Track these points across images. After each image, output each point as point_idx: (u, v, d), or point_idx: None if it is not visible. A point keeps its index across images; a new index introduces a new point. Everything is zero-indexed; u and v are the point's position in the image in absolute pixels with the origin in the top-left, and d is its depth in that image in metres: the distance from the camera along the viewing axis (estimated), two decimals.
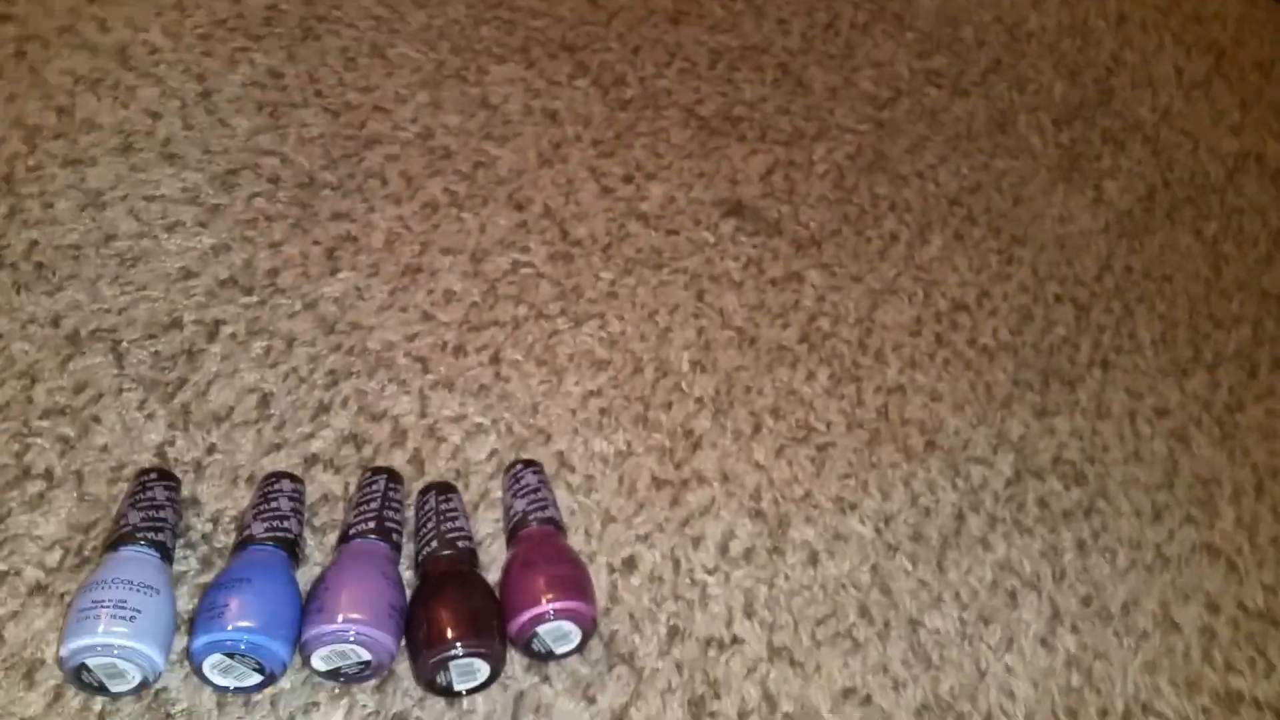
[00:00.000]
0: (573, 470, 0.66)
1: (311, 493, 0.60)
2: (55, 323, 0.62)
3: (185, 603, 0.54)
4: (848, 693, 0.61)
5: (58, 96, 0.72)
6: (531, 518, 0.61)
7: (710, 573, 0.64)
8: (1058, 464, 0.76)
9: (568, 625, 0.56)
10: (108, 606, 0.49)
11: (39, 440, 0.58)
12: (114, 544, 0.53)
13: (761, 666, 0.61)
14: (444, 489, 0.61)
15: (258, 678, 0.52)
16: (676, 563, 0.64)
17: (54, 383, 0.60)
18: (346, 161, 0.76)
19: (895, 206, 0.91)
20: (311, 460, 0.62)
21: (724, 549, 0.65)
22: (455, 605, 0.55)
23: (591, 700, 0.57)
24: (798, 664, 0.61)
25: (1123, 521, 0.74)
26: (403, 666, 0.55)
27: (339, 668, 0.53)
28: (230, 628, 0.50)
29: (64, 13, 0.75)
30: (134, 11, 0.78)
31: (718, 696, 0.59)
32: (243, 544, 0.55)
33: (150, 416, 0.60)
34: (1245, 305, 0.92)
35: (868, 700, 0.61)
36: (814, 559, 0.66)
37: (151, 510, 0.55)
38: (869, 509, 0.70)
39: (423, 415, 0.66)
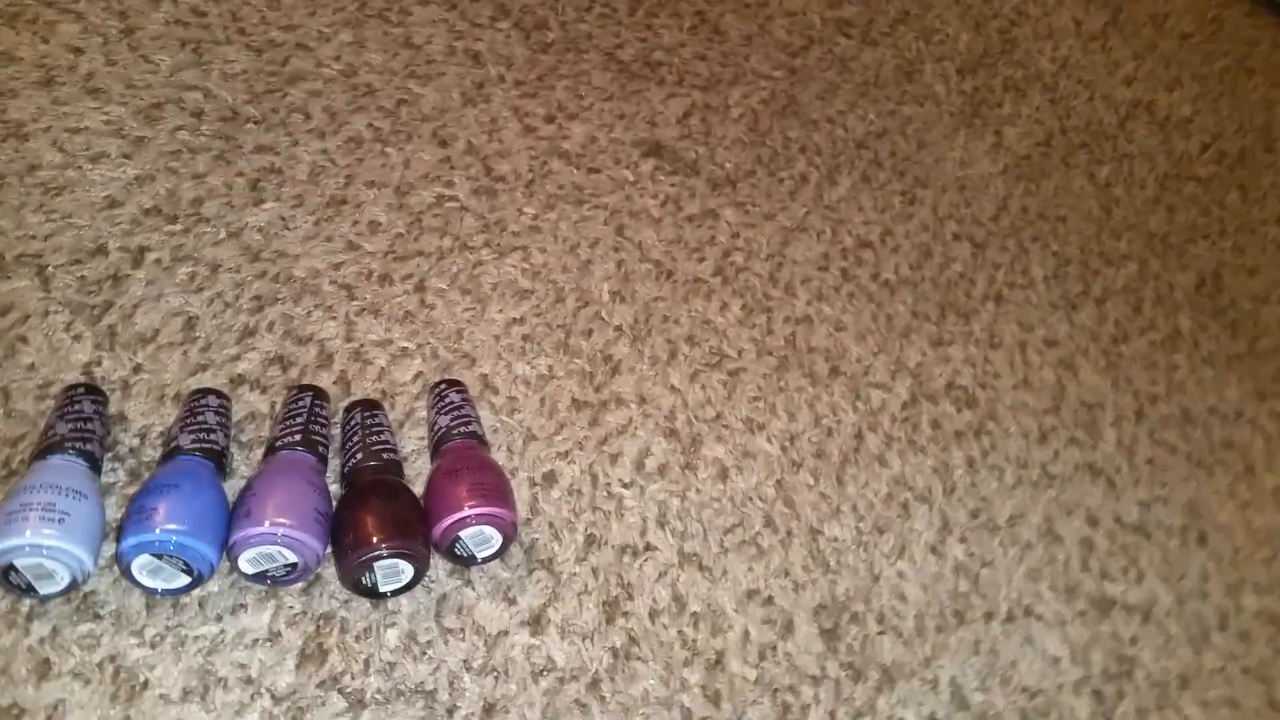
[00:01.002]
0: (496, 392, 0.68)
1: (238, 411, 0.62)
2: None
3: (113, 513, 0.56)
4: (751, 594, 0.64)
5: None
6: (455, 432, 0.63)
7: (626, 486, 0.67)
8: (951, 389, 0.80)
9: (489, 530, 0.58)
10: (36, 509, 0.50)
11: None
12: (42, 453, 0.54)
13: (672, 571, 0.64)
14: (369, 405, 0.63)
15: (186, 579, 0.53)
16: (594, 478, 0.67)
17: None
18: (270, 97, 0.77)
19: (806, 149, 0.94)
20: (238, 380, 0.63)
21: (640, 465, 0.68)
22: (380, 509, 0.57)
23: (512, 602, 0.60)
24: (706, 569, 0.64)
25: (1011, 442, 0.79)
26: (328, 571, 0.57)
27: (266, 570, 0.55)
28: (158, 530, 0.52)
29: None
30: None
31: (631, 598, 0.62)
32: (170, 454, 0.56)
33: (77, 338, 0.61)
34: (1133, 244, 0.97)
35: (770, 601, 0.64)
36: (724, 474, 0.70)
37: (79, 422, 0.56)
38: (776, 429, 0.73)
39: (348, 340, 0.67)
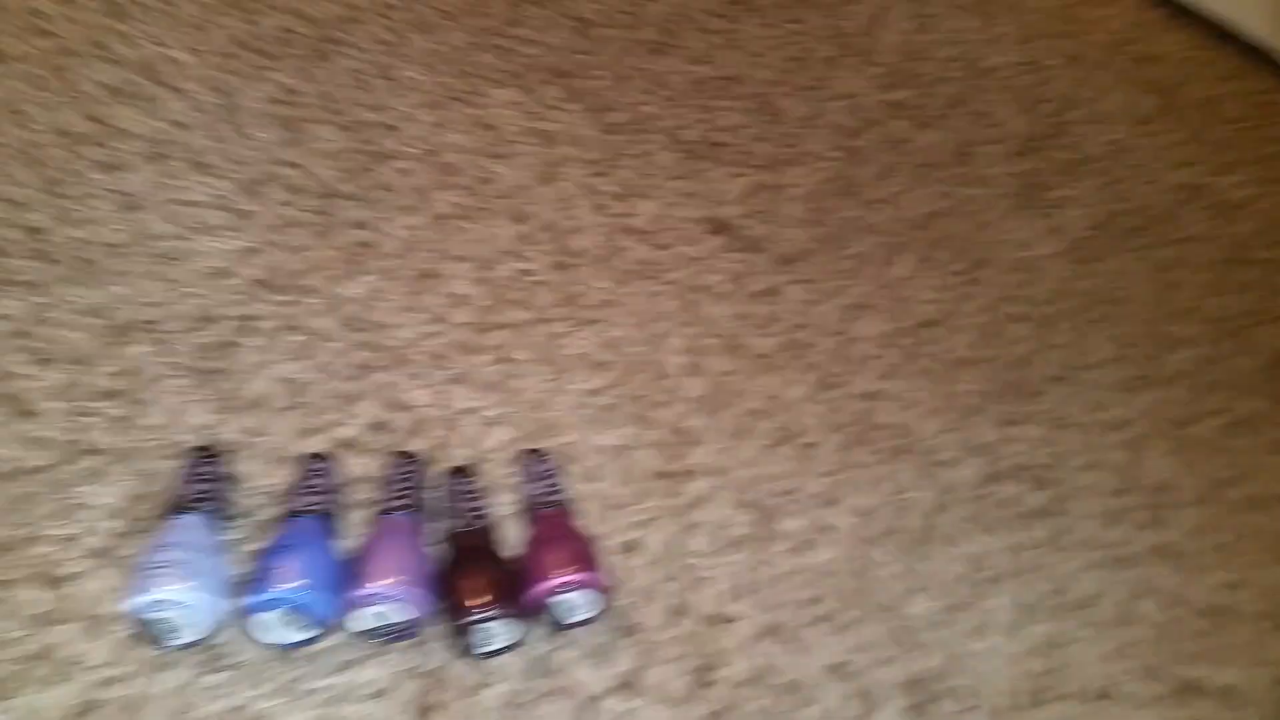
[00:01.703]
0: (578, 461, 0.76)
1: (345, 473, 0.69)
2: (103, 314, 0.70)
3: (236, 569, 0.63)
4: (835, 668, 0.70)
5: (91, 104, 0.80)
6: (544, 501, 0.70)
7: (707, 557, 0.74)
8: (1021, 469, 0.87)
9: (580, 596, 0.65)
10: (176, 563, 0.57)
11: (96, 420, 0.66)
12: (172, 512, 0.61)
13: (756, 642, 0.70)
14: (464, 473, 0.71)
15: (305, 634, 0.60)
16: (676, 547, 0.73)
17: (106, 369, 0.68)
18: (362, 174, 0.86)
19: (865, 229, 1.02)
20: (342, 444, 0.70)
21: (719, 536, 0.75)
22: (482, 574, 0.64)
23: (603, 667, 0.66)
24: (789, 641, 0.71)
25: (1083, 523, 0.85)
26: (434, 629, 0.64)
27: (378, 627, 0.62)
28: (282, 587, 0.59)
29: (95, 29, 0.84)
30: (158, 29, 0.87)
31: (717, 667, 0.68)
32: (288, 515, 0.64)
33: (194, 401, 0.69)
34: (1194, 327, 1.04)
35: (853, 675, 0.70)
36: (801, 548, 0.76)
37: (203, 483, 0.63)
38: (849, 504, 0.80)
39: (440, 407, 0.75)
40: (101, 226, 0.74)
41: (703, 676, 0.67)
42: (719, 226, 0.98)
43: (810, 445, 0.82)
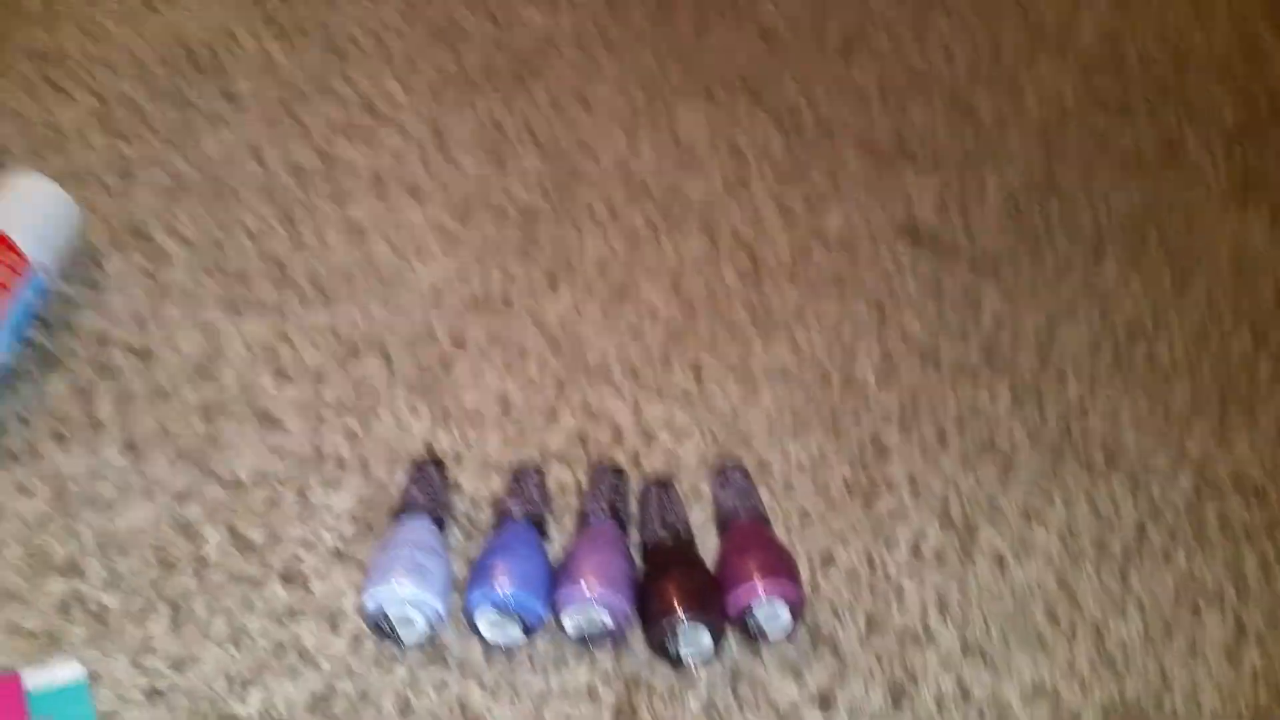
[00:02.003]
0: (771, 473, 0.77)
1: (551, 482, 0.73)
2: (336, 334, 0.77)
3: (456, 570, 0.68)
4: (1037, 689, 0.69)
5: (317, 140, 0.88)
6: (741, 511, 0.72)
7: (904, 571, 0.74)
8: (1239, 483, 0.83)
9: (779, 606, 0.67)
10: (402, 564, 0.63)
11: (330, 431, 0.72)
12: (400, 515, 0.67)
13: (955, 660, 0.70)
14: (664, 484, 0.74)
15: (519, 634, 0.64)
16: (872, 561, 0.74)
17: (339, 384, 0.75)
18: (560, 195, 0.90)
19: (1068, 230, 0.99)
20: (549, 455, 0.75)
21: (916, 550, 0.75)
22: (682, 581, 0.67)
23: (800, 679, 0.68)
24: (989, 660, 0.70)
25: None
26: (635, 634, 0.67)
27: (583, 629, 0.65)
28: (499, 587, 0.63)
29: (319, 71, 0.92)
30: (374, 68, 0.94)
31: (915, 684, 0.69)
32: (502, 520, 0.69)
33: (417, 414, 0.75)
34: None
35: (1056, 698, 0.69)
36: (1002, 563, 0.75)
37: (429, 488, 0.69)
38: (1054, 519, 0.78)
39: (637, 420, 0.78)
40: (332, 253, 0.81)
41: (900, 693, 0.68)
42: (912, 232, 0.98)
43: (1012, 457, 0.81)
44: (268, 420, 0.72)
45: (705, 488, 0.76)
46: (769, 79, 1.06)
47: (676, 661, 0.67)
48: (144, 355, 0.73)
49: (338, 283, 0.80)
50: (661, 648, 0.66)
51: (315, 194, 0.85)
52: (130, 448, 0.69)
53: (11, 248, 0.67)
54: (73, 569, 0.63)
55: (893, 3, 1.18)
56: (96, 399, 0.70)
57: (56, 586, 0.63)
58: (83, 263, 0.76)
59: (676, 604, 0.65)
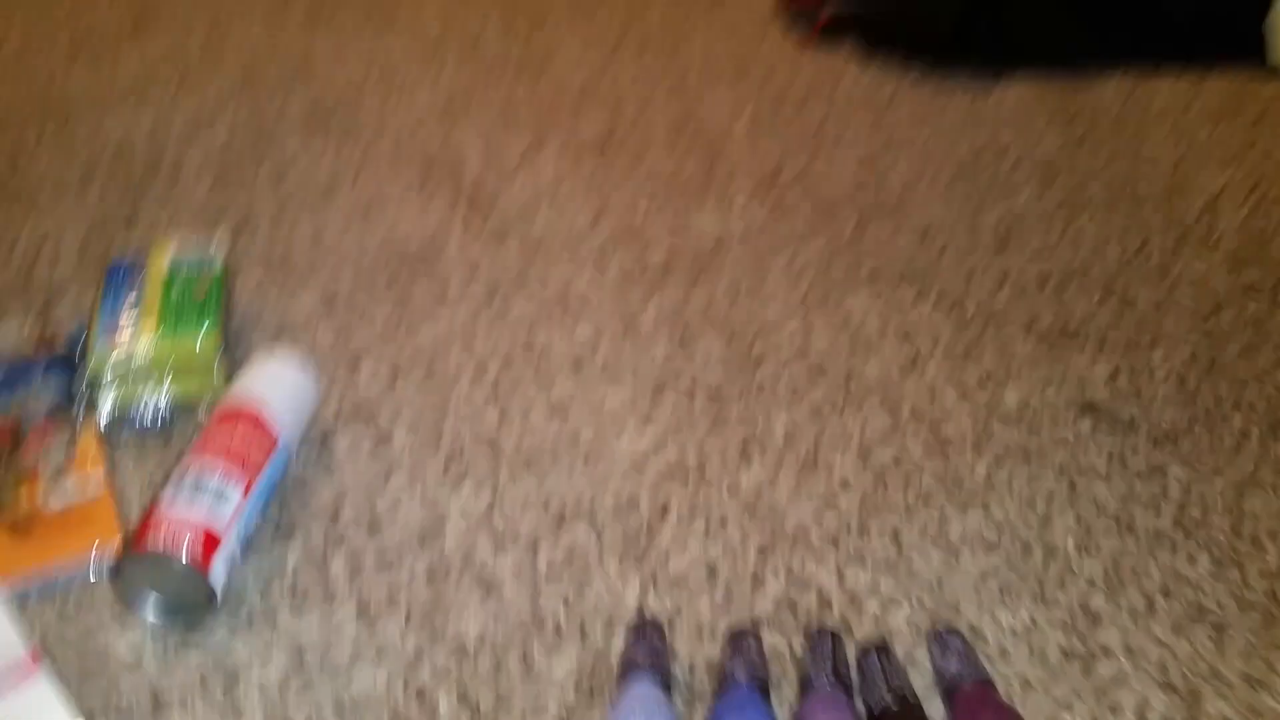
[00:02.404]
0: (985, 639, 0.76)
1: (766, 649, 0.73)
2: (545, 506, 0.81)
3: None
4: None
5: (521, 334, 0.95)
6: (965, 676, 0.71)
7: None
8: None
9: None
10: None
11: (548, 598, 0.75)
12: (626, 676, 0.67)
13: None
14: (883, 648, 0.73)
15: None
16: None
17: (551, 552, 0.78)
18: (742, 376, 0.95)
19: (1240, 406, 0.99)
20: (758, 621, 0.75)
21: (1142, 717, 0.72)
22: None
23: None
24: None
25: None
26: None
27: None
28: None
29: (516, 268, 1.01)
30: (565, 269, 1.03)
31: None
32: (726, 684, 0.69)
33: (626, 580, 0.77)
34: None
35: None
36: None
37: (650, 650, 0.70)
38: (1278, 685, 0.75)
39: (842, 586, 0.79)
40: (537, 431, 0.86)
41: None
42: (1089, 409, 0.99)
43: (1223, 624, 0.79)
44: (487, 586, 0.75)
45: (919, 655, 0.75)
46: (930, 271, 1.12)
47: None
48: (371, 526, 0.77)
49: (544, 458, 0.84)
50: None
51: (519, 378, 0.91)
52: (362, 614, 0.72)
53: (260, 419, 0.73)
54: None
55: (1039, 203, 1.25)
56: (328, 566, 0.74)
57: None
58: (315, 441, 0.82)
59: None
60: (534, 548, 0.78)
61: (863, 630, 0.76)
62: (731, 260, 1.09)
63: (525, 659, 0.71)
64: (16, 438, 0.74)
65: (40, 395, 0.77)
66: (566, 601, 0.75)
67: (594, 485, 0.83)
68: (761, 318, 1.02)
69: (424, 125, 1.18)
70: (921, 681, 0.73)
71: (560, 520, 0.80)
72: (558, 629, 0.73)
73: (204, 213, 0.99)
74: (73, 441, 0.75)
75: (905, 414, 0.95)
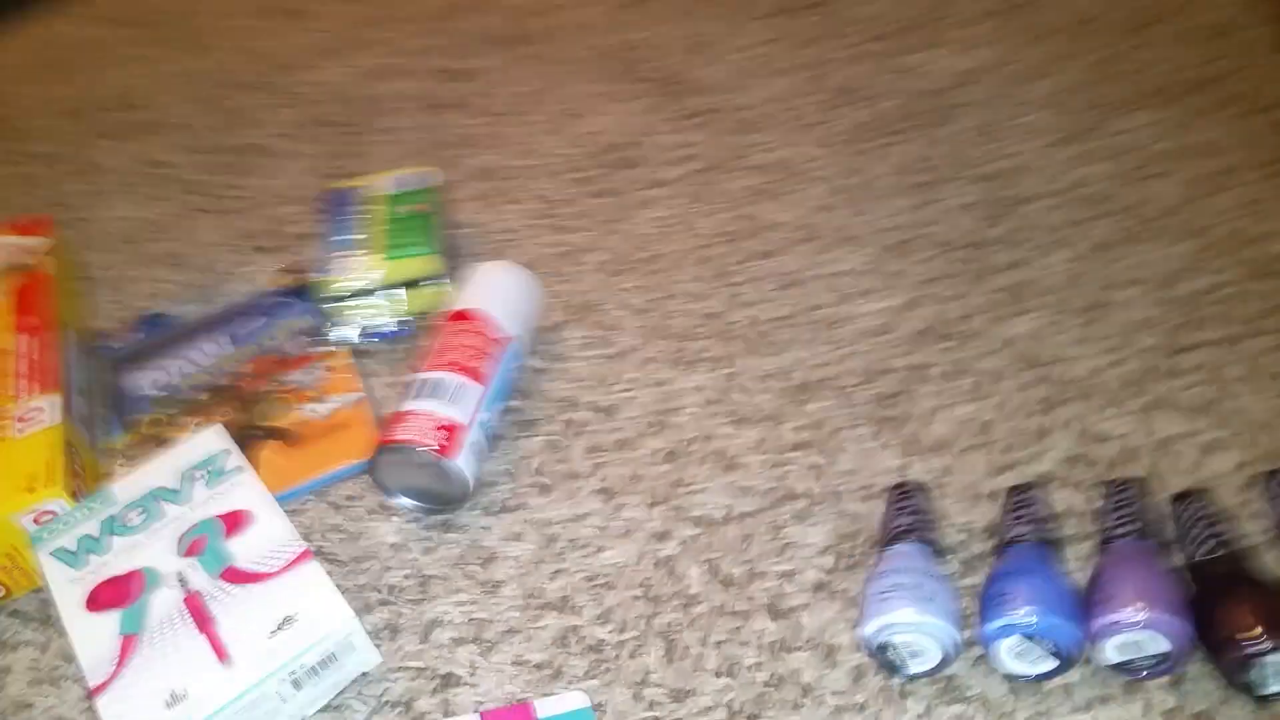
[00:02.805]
0: None
1: (1051, 505, 0.64)
2: (786, 376, 0.74)
3: (959, 599, 0.59)
4: None
5: (742, 206, 0.88)
6: None
7: None
8: None
9: None
10: (907, 588, 0.56)
11: (794, 467, 0.68)
12: (890, 542, 0.60)
13: None
14: (1200, 494, 0.61)
15: (1052, 663, 0.54)
16: None
17: (796, 422, 0.71)
18: (1004, 220, 0.83)
19: None
20: (1039, 478, 0.65)
21: None
22: (1248, 602, 0.54)
23: None
24: None
25: None
26: (1196, 664, 0.55)
27: (1132, 659, 0.54)
28: (1015, 613, 0.54)
29: (734, 147, 0.94)
30: (787, 135, 0.95)
31: None
32: (1004, 545, 0.60)
33: (884, 446, 0.69)
34: None
35: None
36: None
37: (916, 514, 0.62)
38: None
39: (1144, 435, 0.67)
40: (767, 304, 0.80)
41: None
42: None
43: None
44: (729, 463, 0.69)
45: (1253, 500, 0.62)
46: (1223, 73, 0.94)
47: (1261, 696, 0.53)
48: (608, 411, 0.74)
49: (780, 331, 0.77)
50: (1238, 680, 0.53)
51: (746, 253, 0.84)
52: (606, 493, 0.69)
53: (483, 321, 0.72)
54: (567, 606, 0.63)
55: None
56: (570, 453, 0.72)
57: (553, 622, 0.62)
58: (546, 337, 0.79)
59: (1246, 629, 0.52)
60: (777, 420, 0.71)
61: (1176, 480, 0.64)
62: (977, 98, 0.96)
63: (776, 530, 0.65)
64: (282, 363, 0.78)
65: (297, 324, 0.81)
66: (818, 472, 0.68)
67: (839, 353, 0.75)
68: (1019, 155, 0.89)
69: (616, 22, 1.13)
70: (1256, 530, 0.61)
71: (804, 391, 0.73)
72: (810, 499, 0.66)
73: (420, 142, 0.99)
74: (328, 361, 0.78)
75: (1215, 236, 0.80)
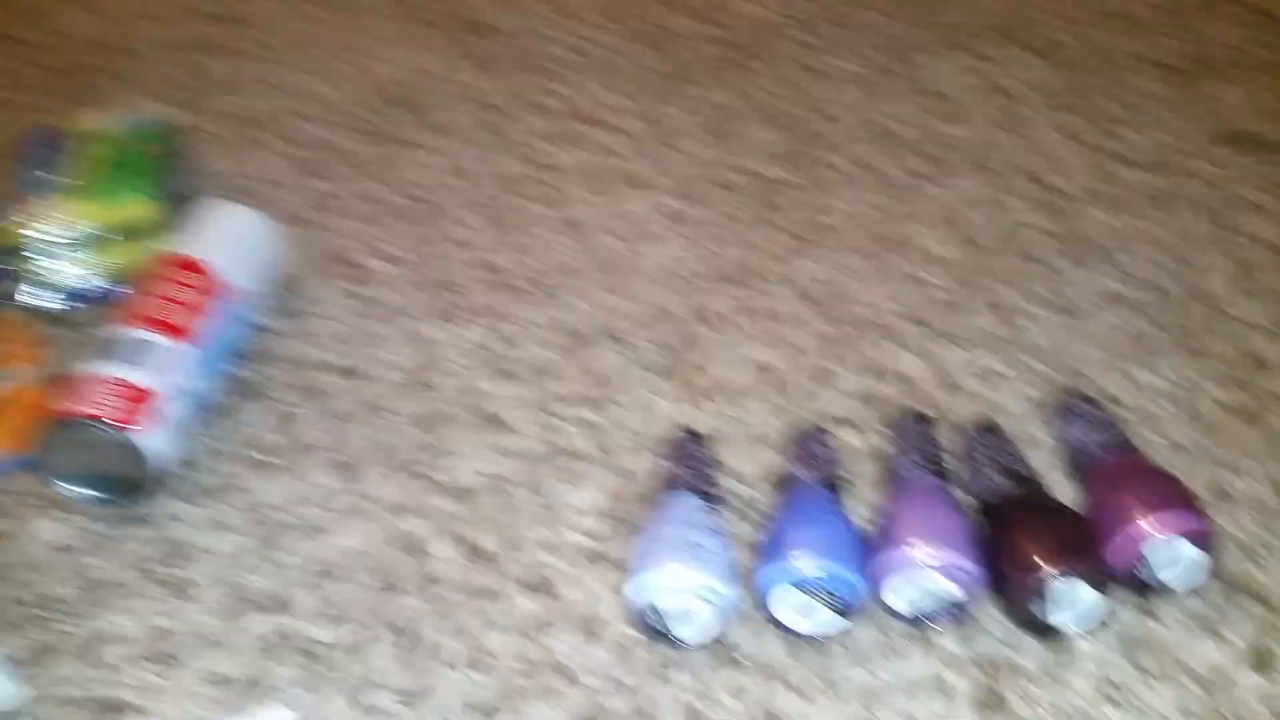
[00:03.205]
0: (1120, 404, 0.60)
1: (840, 448, 0.59)
2: (559, 326, 0.68)
3: (736, 554, 0.54)
4: None
5: (525, 152, 0.82)
6: (1102, 443, 0.55)
7: None
8: None
9: (1181, 545, 0.49)
10: (673, 545, 0.50)
11: (565, 424, 0.62)
12: (663, 495, 0.54)
13: None
14: (987, 428, 0.58)
15: (831, 616, 0.49)
16: (1277, 485, 0.55)
17: (571, 376, 0.65)
18: (801, 162, 0.79)
19: None
20: (831, 420, 0.61)
21: None
22: (1044, 529, 0.50)
23: (1219, 637, 0.49)
24: None
25: None
26: (990, 604, 0.51)
27: (920, 607, 0.50)
28: (802, 561, 0.49)
29: (520, 90, 0.88)
30: (578, 78, 0.88)
31: None
32: (788, 490, 0.55)
33: (666, 396, 0.63)
34: None
35: None
36: None
37: (691, 464, 0.56)
38: None
39: (937, 371, 0.63)
40: (545, 251, 0.73)
41: None
42: (1233, 138, 0.80)
43: None
44: (492, 422, 0.62)
45: (1038, 433, 0.59)
46: (1021, 22, 0.92)
47: (1049, 631, 0.49)
48: (351, 374, 0.65)
49: (557, 278, 0.71)
50: (1027, 616, 0.49)
51: (525, 199, 0.77)
52: (342, 468, 0.60)
53: (200, 271, 0.63)
54: (277, 604, 0.54)
55: None
56: (303, 424, 0.63)
57: (258, 624, 0.53)
58: (285, 294, 0.70)
59: (1042, 557, 0.48)
60: (550, 375, 0.65)
61: (965, 415, 0.61)
62: (780, 44, 0.91)
63: (539, 493, 0.58)
64: None
65: None
66: (589, 427, 0.62)
67: (619, 300, 0.69)
68: (814, 95, 0.85)
69: None
70: (1043, 461, 0.58)
71: (580, 342, 0.67)
72: (576, 456, 0.60)
73: (178, 86, 0.89)
74: (9, 328, 0.66)
75: (1005, 173, 0.77)
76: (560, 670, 0.50)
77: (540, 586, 0.54)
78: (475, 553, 0.56)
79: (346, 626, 0.53)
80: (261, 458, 0.61)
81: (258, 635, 0.53)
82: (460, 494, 0.59)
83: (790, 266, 0.71)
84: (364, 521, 0.58)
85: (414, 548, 0.56)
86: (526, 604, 0.53)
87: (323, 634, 0.52)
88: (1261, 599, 0.50)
